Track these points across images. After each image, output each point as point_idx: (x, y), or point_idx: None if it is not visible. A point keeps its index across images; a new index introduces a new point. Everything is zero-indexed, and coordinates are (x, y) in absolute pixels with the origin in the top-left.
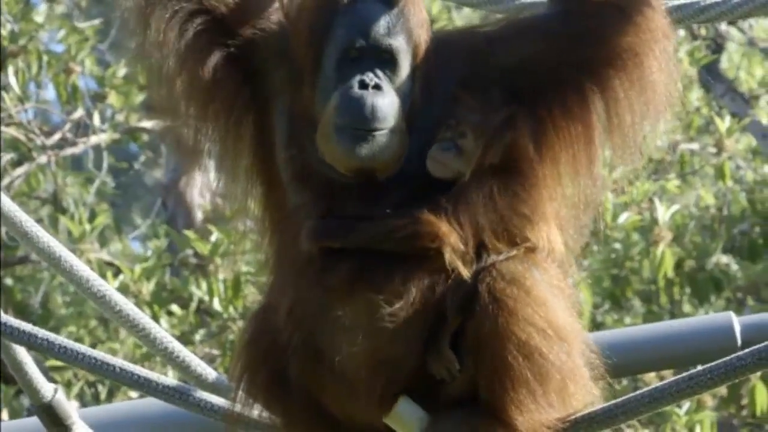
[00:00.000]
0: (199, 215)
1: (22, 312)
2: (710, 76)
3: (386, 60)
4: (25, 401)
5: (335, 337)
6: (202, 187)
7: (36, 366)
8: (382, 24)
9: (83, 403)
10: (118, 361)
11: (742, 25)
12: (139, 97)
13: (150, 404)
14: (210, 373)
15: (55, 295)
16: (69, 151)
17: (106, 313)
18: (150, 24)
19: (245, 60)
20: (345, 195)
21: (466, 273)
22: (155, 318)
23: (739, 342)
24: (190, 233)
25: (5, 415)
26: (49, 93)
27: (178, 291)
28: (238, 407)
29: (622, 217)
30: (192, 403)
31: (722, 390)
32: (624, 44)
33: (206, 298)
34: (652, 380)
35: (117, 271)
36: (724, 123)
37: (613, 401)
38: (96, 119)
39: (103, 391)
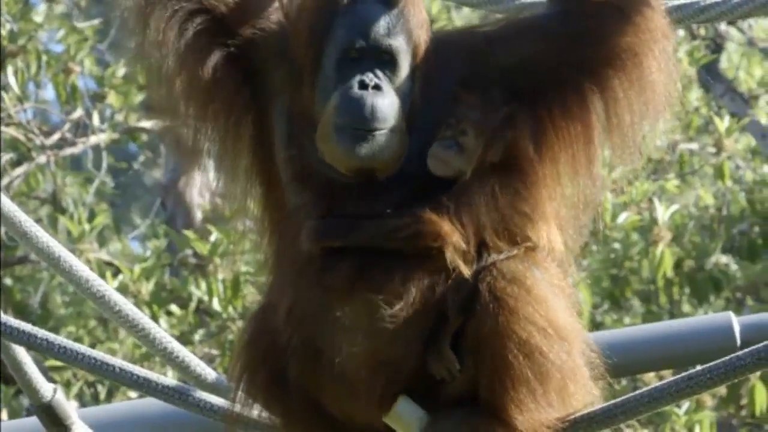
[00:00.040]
0: (198, 215)
1: (21, 312)
2: (710, 76)
3: (386, 60)
4: (25, 401)
5: (335, 337)
6: (202, 187)
7: (35, 366)
8: (382, 24)
9: (82, 403)
10: (118, 361)
11: (742, 25)
12: (138, 97)
13: (149, 404)
14: (209, 373)
15: (55, 295)
16: (68, 151)
17: (106, 313)
18: (149, 23)
19: (245, 60)
20: (345, 195)
21: (467, 272)
22: (154, 318)
23: (739, 342)
24: (189, 233)
25: (5, 414)
26: (49, 93)
27: (177, 291)
28: (237, 407)
29: (622, 217)
30: (191, 403)
31: (721, 390)
32: (623, 44)
33: (205, 298)
34: (651, 380)
35: (116, 271)
36: (723, 123)
37: (613, 401)
38: (95, 119)
39: (102, 391)
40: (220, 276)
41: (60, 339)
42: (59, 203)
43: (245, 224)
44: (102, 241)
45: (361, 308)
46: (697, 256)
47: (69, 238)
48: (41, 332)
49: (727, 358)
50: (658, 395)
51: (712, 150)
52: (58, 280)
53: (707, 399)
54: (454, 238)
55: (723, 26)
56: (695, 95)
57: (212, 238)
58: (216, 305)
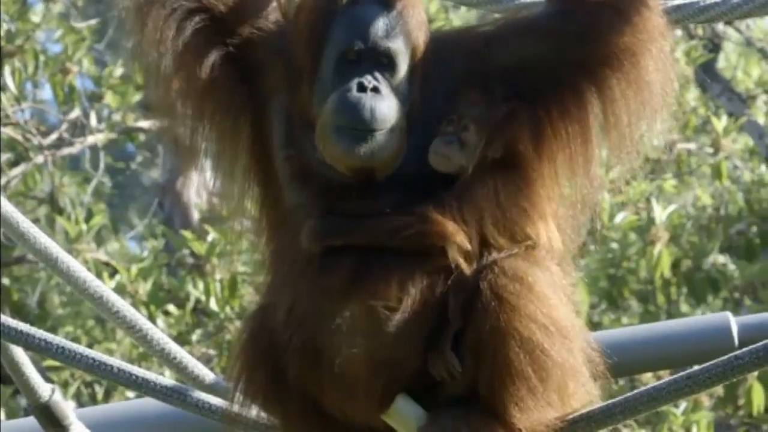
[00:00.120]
0: (195, 215)
1: (19, 312)
2: (707, 75)
3: (384, 63)
4: (22, 401)
5: (335, 338)
6: (199, 187)
7: (33, 366)
8: (380, 26)
9: (80, 403)
10: (116, 362)
11: (739, 24)
12: (136, 97)
13: (147, 404)
14: (207, 373)
15: (52, 295)
16: (66, 151)
17: (103, 313)
18: (147, 22)
19: (243, 59)
20: (344, 194)
21: (468, 271)
22: (152, 318)
23: (736, 342)
24: (186, 233)
25: (2, 414)
26: (46, 93)
27: (174, 291)
28: (236, 407)
29: (619, 217)
30: (189, 404)
31: (719, 390)
32: (621, 44)
33: (203, 298)
34: (649, 380)
35: (113, 271)
36: (720, 123)
37: (611, 400)
38: (93, 119)
39: (100, 392)
40: (218, 276)
41: (58, 339)
42: (57, 203)
43: (242, 224)
44: (99, 241)
45: (361, 308)
46: (694, 256)
47: (66, 238)
48: (39, 332)
49: (724, 357)
50: (656, 395)
51: (710, 150)
52: (55, 280)
53: (704, 399)
54: (458, 237)
55: (720, 26)
56: (692, 95)
57: (209, 238)
58: (213, 305)
